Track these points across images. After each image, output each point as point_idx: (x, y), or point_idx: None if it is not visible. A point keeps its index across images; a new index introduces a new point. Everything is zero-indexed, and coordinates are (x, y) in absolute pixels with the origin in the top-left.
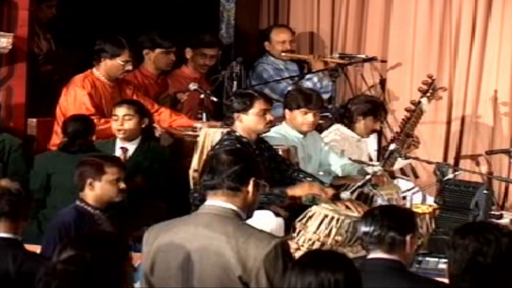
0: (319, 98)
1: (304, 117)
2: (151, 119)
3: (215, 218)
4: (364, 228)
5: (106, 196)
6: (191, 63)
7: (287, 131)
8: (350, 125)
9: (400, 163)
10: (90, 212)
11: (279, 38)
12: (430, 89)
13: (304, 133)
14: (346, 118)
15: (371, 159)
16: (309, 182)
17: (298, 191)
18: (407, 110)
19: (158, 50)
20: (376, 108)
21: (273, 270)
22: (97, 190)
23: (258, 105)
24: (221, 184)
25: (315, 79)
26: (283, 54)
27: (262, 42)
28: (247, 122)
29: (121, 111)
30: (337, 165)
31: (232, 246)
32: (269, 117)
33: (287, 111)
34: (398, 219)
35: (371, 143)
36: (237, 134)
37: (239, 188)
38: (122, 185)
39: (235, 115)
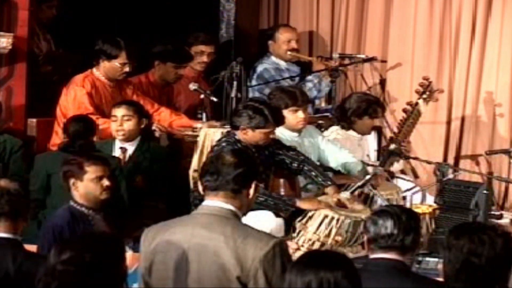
0: (303, 93)
1: (295, 115)
2: (150, 120)
3: (213, 219)
4: (386, 231)
5: (90, 195)
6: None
7: (283, 132)
8: (348, 126)
9: (396, 166)
10: (84, 213)
11: (285, 37)
12: (426, 91)
13: (299, 131)
14: (343, 120)
15: (369, 159)
16: (318, 199)
17: (307, 205)
18: (404, 111)
19: (169, 64)
20: (370, 107)
21: (271, 270)
22: (80, 190)
23: (269, 127)
24: (224, 186)
25: (315, 80)
26: (288, 53)
27: (262, 42)
28: (250, 137)
29: (120, 111)
30: (338, 160)
31: (230, 246)
32: (272, 136)
33: None
34: (417, 221)
35: (371, 143)
36: (237, 137)
37: (241, 190)
38: (106, 182)
39: (242, 126)
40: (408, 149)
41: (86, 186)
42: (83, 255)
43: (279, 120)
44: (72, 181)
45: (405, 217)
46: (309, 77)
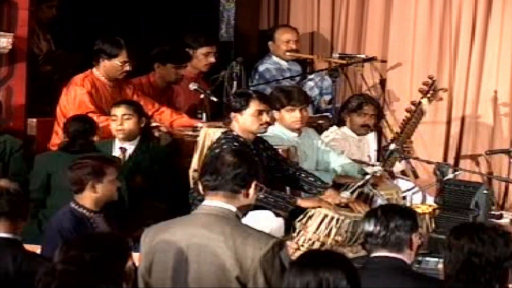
0: (301, 93)
1: (291, 115)
2: (150, 119)
3: (213, 219)
4: (368, 229)
5: (106, 196)
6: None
7: (283, 132)
8: (341, 125)
9: (398, 166)
10: (85, 215)
11: (283, 37)
12: (430, 90)
13: (298, 131)
14: (338, 119)
15: (370, 160)
16: (319, 198)
17: (308, 203)
18: (407, 110)
19: (169, 65)
20: (356, 104)
21: (270, 270)
22: (99, 192)
23: (254, 106)
24: (224, 186)
25: (317, 79)
26: (287, 53)
27: (262, 42)
28: (242, 122)
29: (120, 111)
30: (336, 163)
31: (230, 246)
32: (265, 118)
33: (274, 112)
34: (403, 218)
35: (371, 143)
36: (235, 133)
37: (240, 191)
38: (119, 183)
39: (232, 114)
40: (410, 149)
41: (106, 188)
42: (83, 254)
43: (258, 94)
44: (91, 183)
45: (389, 214)
46: (310, 76)
